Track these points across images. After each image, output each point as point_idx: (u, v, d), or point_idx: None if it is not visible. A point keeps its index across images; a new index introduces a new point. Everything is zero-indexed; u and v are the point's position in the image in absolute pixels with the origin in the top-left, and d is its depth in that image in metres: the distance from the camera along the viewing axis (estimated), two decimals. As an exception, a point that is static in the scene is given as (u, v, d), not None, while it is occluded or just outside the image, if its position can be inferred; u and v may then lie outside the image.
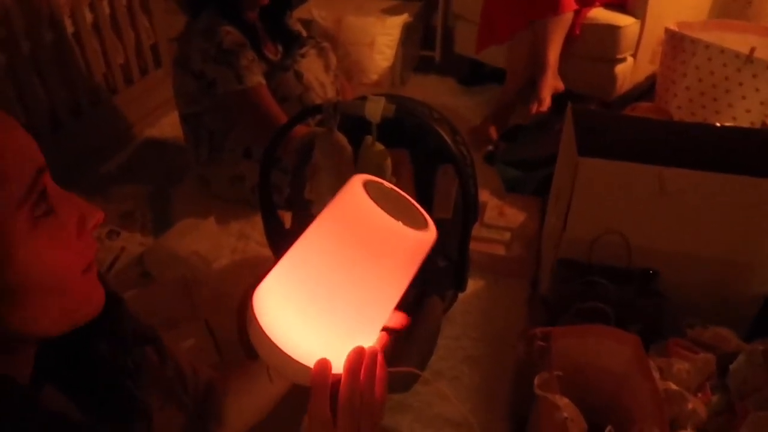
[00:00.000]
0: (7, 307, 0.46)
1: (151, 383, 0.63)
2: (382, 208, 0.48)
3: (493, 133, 2.24)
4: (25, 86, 1.87)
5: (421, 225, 0.52)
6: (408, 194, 1.53)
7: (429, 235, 0.52)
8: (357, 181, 0.51)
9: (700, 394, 1.11)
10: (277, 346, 0.49)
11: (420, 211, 0.55)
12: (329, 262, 0.49)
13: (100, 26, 2.13)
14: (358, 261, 0.48)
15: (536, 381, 1.04)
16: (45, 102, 1.96)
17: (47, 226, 0.47)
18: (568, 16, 2.12)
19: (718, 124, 1.60)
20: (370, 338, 0.54)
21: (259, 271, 1.45)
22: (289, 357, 0.49)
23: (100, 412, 0.56)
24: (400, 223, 0.48)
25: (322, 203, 1.23)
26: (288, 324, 0.49)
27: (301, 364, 0.50)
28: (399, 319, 0.58)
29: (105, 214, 0.52)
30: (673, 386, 1.08)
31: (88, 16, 2.08)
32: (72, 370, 0.56)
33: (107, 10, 2.16)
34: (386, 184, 0.56)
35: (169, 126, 2.37)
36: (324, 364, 0.49)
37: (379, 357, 0.53)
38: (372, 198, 0.49)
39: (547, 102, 2.15)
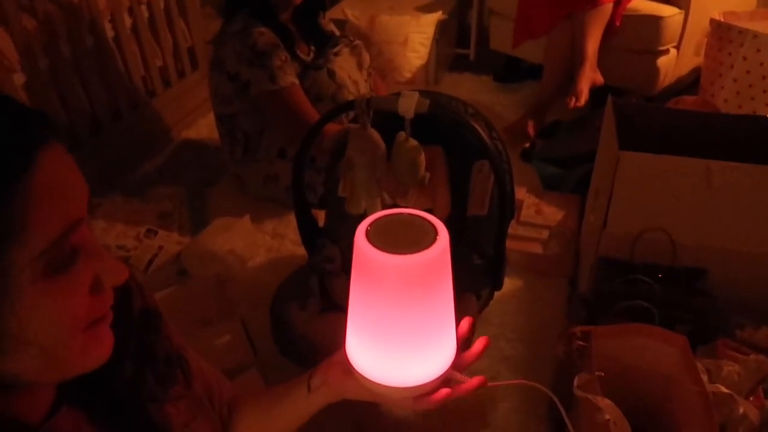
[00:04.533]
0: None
1: (177, 400, 0.62)
2: (390, 241, 0.53)
3: (531, 129, 2.19)
4: (67, 89, 1.91)
5: (430, 236, 0.54)
6: (442, 191, 1.51)
7: (441, 243, 0.54)
8: (360, 233, 0.55)
9: (752, 398, 1.06)
10: (381, 384, 0.61)
11: (427, 219, 0.57)
12: (384, 315, 0.57)
13: (139, 30, 2.17)
14: (403, 303, 0.56)
15: (576, 381, 1.00)
16: (86, 105, 2.00)
17: (59, 281, 0.44)
18: (607, 8, 2.07)
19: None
20: (449, 347, 0.64)
21: (291, 268, 1.44)
22: (392, 388, 0.61)
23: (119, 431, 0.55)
24: (409, 255, 0.52)
25: (355, 201, 1.22)
26: (382, 368, 0.61)
27: (402, 388, 0.61)
28: (462, 328, 0.68)
29: (126, 268, 0.49)
30: (723, 389, 1.03)
31: (127, 21, 2.13)
32: (94, 389, 0.54)
33: (146, 15, 2.21)
34: (386, 212, 0.58)
35: (205, 127, 2.41)
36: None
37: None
38: (378, 239, 0.54)
39: (585, 95, 2.10)
